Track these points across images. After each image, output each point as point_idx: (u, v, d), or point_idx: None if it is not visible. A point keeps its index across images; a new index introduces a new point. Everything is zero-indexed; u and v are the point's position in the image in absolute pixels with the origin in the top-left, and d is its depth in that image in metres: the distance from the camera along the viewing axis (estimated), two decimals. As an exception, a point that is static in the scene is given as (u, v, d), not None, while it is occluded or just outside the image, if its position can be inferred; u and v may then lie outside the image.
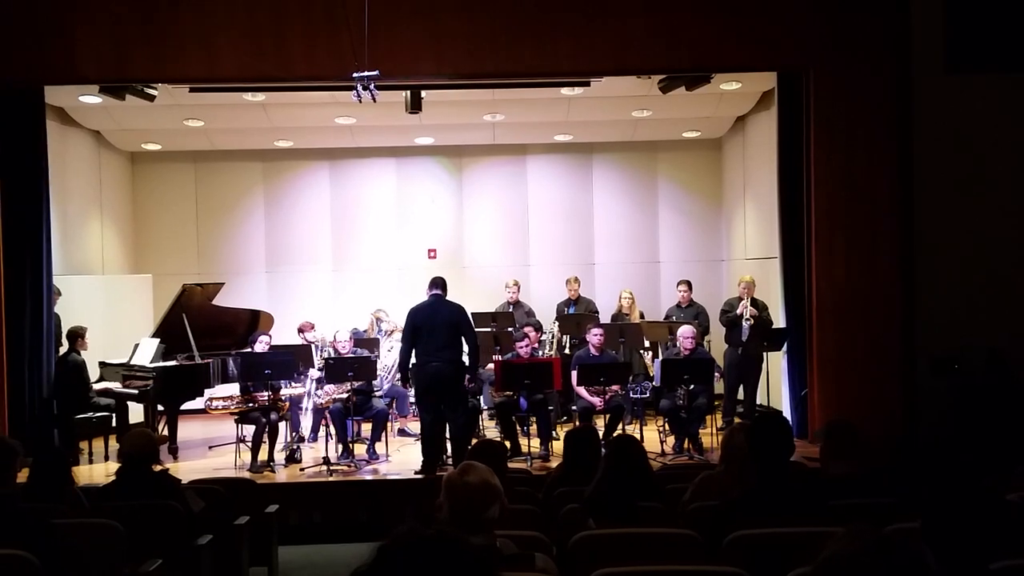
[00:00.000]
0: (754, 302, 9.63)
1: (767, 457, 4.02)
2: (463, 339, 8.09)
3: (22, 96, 8.59)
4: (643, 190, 12.60)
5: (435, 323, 7.89)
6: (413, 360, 8.11)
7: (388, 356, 9.67)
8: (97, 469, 8.50)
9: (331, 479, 7.92)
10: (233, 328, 10.00)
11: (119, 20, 8.20)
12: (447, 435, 8.11)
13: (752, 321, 9.51)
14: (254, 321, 10.08)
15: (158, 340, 9.22)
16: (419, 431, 8.49)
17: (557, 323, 10.52)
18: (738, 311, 9.63)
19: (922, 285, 8.49)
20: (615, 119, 11.37)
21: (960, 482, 2.83)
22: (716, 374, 9.07)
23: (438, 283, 8.17)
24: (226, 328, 9.93)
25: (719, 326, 10.15)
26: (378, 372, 9.04)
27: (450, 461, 7.96)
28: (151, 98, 9.15)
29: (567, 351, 10.10)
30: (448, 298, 8.18)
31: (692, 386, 8.46)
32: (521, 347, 9.06)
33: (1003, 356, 8.12)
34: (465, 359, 8.12)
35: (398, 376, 9.16)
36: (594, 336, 9.00)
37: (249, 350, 8.99)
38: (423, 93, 9.45)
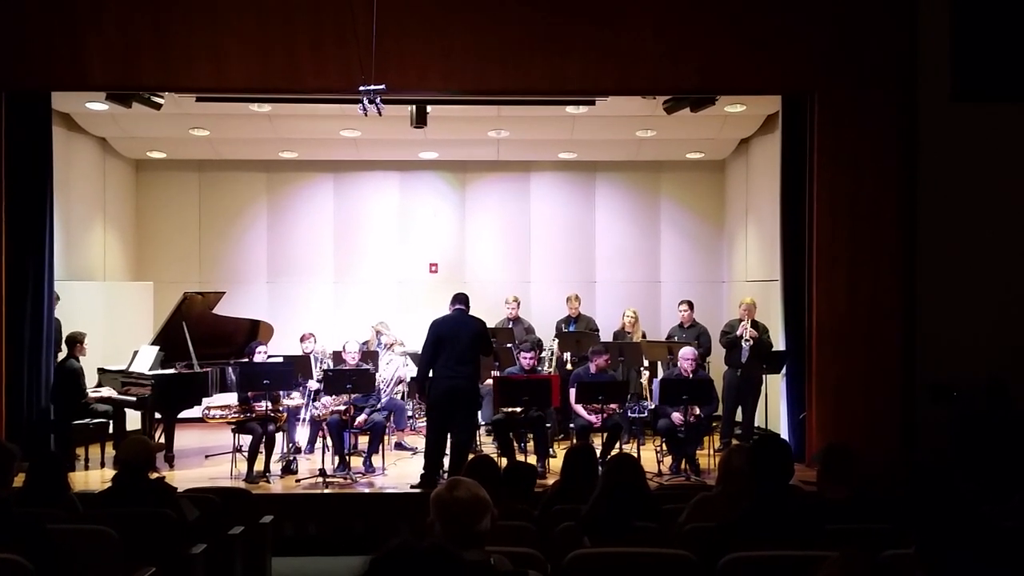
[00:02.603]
0: (755, 324, 9.65)
1: (767, 479, 4.01)
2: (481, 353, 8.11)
3: (29, 101, 8.62)
4: (646, 210, 12.63)
5: (459, 336, 7.85)
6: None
7: (387, 369, 9.65)
8: (93, 475, 8.49)
9: (327, 491, 7.89)
10: (233, 337, 9.98)
11: (128, 28, 8.22)
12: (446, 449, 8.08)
13: (751, 342, 9.52)
14: (254, 331, 10.06)
15: (157, 348, 9.22)
16: (416, 445, 8.44)
17: (557, 340, 10.50)
18: (738, 332, 9.64)
19: (923, 311, 8.48)
20: (619, 138, 11.39)
21: (957, 509, 2.82)
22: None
23: (461, 298, 8.16)
24: (226, 337, 9.92)
25: (720, 347, 10.15)
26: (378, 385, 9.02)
27: (446, 475, 7.92)
28: (157, 106, 9.17)
29: (568, 367, 10.07)
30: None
31: (698, 410, 8.45)
32: (526, 358, 8.97)
33: (1004, 384, 8.10)
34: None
35: (398, 388, 9.12)
36: (602, 360, 8.95)
37: (247, 360, 8.99)
38: (429, 108, 9.49)
